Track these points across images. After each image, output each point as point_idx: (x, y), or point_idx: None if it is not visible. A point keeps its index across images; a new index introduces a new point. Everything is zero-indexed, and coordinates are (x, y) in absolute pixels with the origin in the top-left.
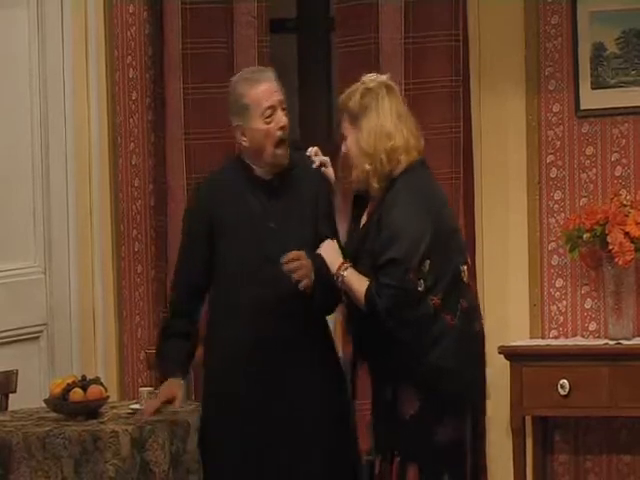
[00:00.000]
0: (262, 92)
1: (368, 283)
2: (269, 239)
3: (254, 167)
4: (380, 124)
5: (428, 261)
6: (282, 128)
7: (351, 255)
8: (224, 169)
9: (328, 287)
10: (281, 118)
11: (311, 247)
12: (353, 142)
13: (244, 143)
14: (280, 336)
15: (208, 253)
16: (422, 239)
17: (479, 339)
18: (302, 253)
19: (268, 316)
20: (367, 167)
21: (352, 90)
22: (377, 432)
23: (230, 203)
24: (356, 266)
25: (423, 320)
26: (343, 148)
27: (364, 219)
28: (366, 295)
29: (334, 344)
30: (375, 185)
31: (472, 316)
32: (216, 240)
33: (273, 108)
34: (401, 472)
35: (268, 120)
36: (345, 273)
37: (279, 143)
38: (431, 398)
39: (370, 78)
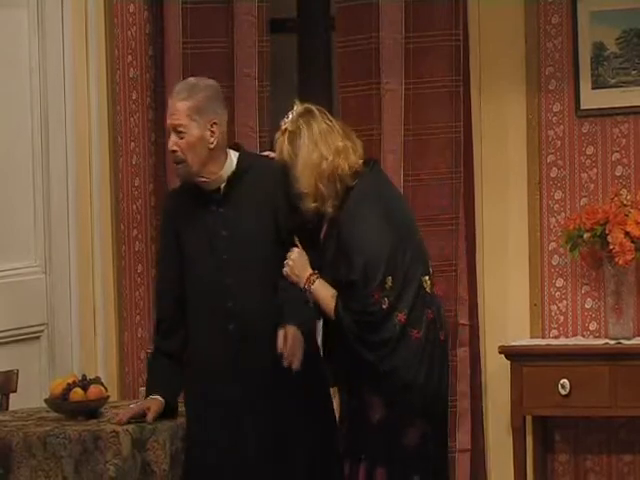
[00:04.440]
0: (168, 109)
1: (335, 301)
2: (223, 248)
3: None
4: (307, 158)
5: (390, 277)
6: (171, 151)
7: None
8: (182, 185)
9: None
10: (169, 142)
11: (270, 249)
12: (298, 188)
13: None
14: (247, 342)
15: (180, 266)
16: (381, 257)
17: (444, 348)
18: (296, 337)
19: (235, 326)
20: (312, 204)
21: (280, 144)
22: (344, 436)
23: (185, 220)
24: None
25: (389, 341)
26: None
27: (323, 231)
28: (335, 314)
29: (315, 352)
30: (330, 209)
31: (438, 326)
32: (182, 255)
33: (169, 130)
34: (368, 476)
35: (168, 139)
36: (313, 287)
37: (175, 162)
38: (397, 406)
39: (287, 121)
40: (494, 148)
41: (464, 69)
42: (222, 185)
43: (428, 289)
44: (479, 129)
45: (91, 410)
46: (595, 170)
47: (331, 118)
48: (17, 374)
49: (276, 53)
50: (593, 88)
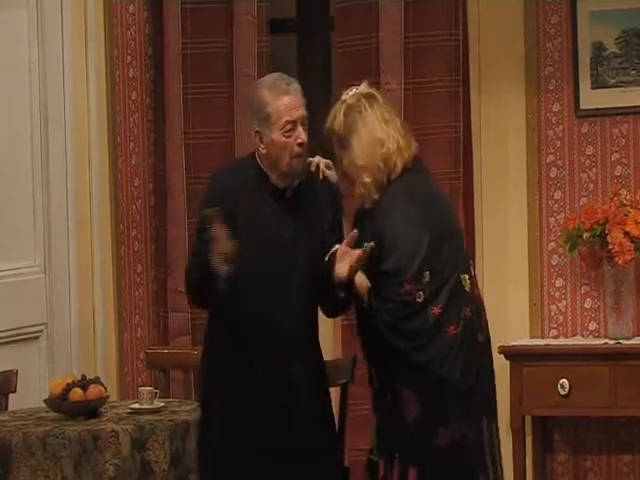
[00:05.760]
0: (285, 105)
1: (368, 292)
2: (281, 250)
3: (269, 174)
4: (370, 134)
5: (427, 272)
6: (300, 144)
7: None
8: (239, 168)
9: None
10: (301, 134)
11: (320, 258)
12: (349, 162)
13: (261, 150)
14: (284, 343)
15: None
16: (418, 249)
17: (482, 350)
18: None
19: (269, 325)
20: (367, 179)
21: (335, 112)
22: (379, 434)
23: (244, 208)
24: None
25: (422, 331)
26: (339, 172)
27: (359, 225)
28: (367, 304)
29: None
30: (375, 197)
31: (476, 326)
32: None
33: (294, 123)
34: (402, 475)
35: (287, 134)
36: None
37: (296, 156)
38: (432, 404)
39: (349, 94)
40: (493, 148)
41: (464, 69)
42: (293, 186)
43: (467, 288)
44: (479, 129)
45: (90, 410)
46: (594, 170)
47: (392, 111)
48: (16, 374)
49: (276, 53)
50: (592, 88)
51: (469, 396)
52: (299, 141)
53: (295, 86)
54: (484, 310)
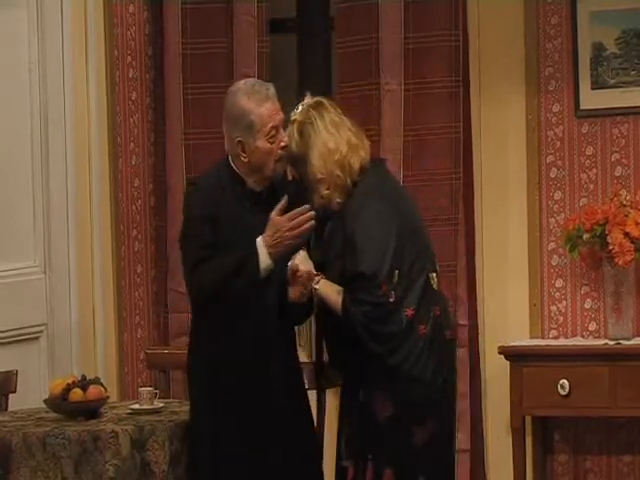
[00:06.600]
0: (268, 111)
1: (342, 296)
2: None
3: (245, 178)
4: (323, 144)
5: (397, 271)
6: (283, 148)
7: (318, 264)
8: (215, 176)
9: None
10: (283, 137)
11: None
12: (312, 176)
13: (243, 158)
14: (266, 342)
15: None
16: (388, 249)
17: (450, 347)
18: (311, 273)
19: (250, 324)
20: (325, 191)
21: (289, 134)
22: (349, 436)
23: (225, 213)
24: (325, 274)
25: (397, 334)
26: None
27: (327, 227)
28: (342, 308)
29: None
30: (338, 200)
31: (444, 324)
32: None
33: (277, 128)
34: (376, 477)
35: (272, 140)
36: (317, 286)
37: (279, 159)
38: (405, 404)
39: (297, 112)
40: (493, 149)
41: (464, 69)
42: (261, 188)
43: (435, 286)
44: (479, 129)
45: (90, 410)
46: (594, 170)
47: (341, 112)
48: (16, 374)
49: (276, 53)
50: (593, 88)
51: (441, 394)
52: (282, 144)
53: (272, 90)
54: (448, 306)
